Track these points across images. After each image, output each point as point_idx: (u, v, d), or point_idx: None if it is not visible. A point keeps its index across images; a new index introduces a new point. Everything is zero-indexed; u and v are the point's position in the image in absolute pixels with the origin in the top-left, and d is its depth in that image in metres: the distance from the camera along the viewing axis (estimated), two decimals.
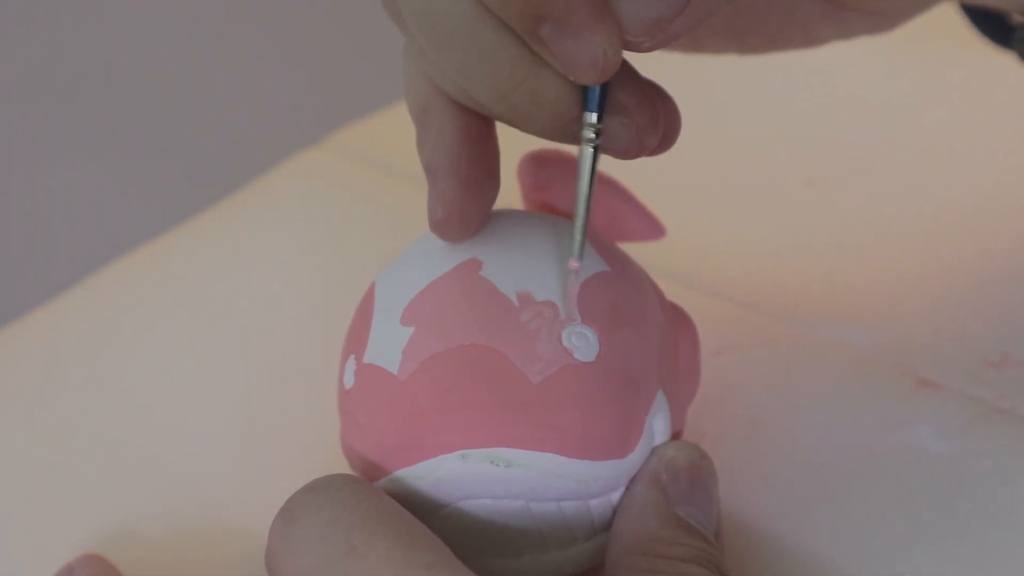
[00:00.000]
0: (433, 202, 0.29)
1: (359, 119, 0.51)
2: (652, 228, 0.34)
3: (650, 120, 0.28)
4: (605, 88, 0.27)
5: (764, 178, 0.46)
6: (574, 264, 0.28)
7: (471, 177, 0.29)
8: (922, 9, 0.35)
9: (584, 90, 0.27)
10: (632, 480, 0.28)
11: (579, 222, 0.28)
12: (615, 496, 0.28)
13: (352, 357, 0.29)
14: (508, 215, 0.31)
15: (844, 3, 0.34)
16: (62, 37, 0.65)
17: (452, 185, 0.29)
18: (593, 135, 0.27)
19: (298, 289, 0.42)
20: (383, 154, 0.48)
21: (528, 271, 0.29)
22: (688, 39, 0.36)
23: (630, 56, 0.28)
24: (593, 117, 0.27)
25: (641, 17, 0.26)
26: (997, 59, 0.42)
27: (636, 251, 0.33)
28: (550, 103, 0.27)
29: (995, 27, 0.38)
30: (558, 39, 0.26)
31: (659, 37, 0.26)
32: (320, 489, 0.26)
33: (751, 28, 0.36)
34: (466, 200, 0.29)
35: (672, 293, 0.32)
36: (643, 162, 0.35)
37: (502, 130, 0.33)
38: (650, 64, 0.38)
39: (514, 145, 0.34)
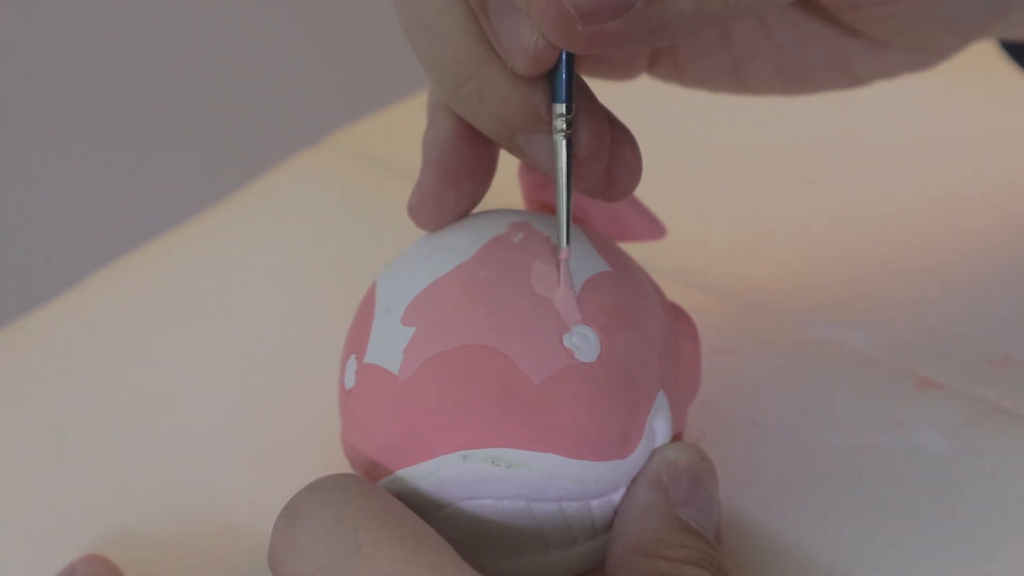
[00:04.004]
0: (414, 189, 0.31)
1: (359, 119, 0.51)
2: (653, 228, 0.34)
3: (593, 142, 0.29)
4: (571, 80, 0.28)
5: (763, 177, 0.46)
6: (564, 255, 0.29)
7: (452, 170, 0.31)
8: (961, 47, 0.35)
9: (551, 84, 0.28)
10: (633, 481, 0.28)
11: (562, 213, 0.29)
12: (616, 497, 0.28)
13: (353, 357, 0.29)
14: (508, 215, 0.31)
15: (882, 41, 0.34)
16: (62, 39, 0.65)
17: (432, 174, 0.31)
18: (564, 126, 0.28)
19: (298, 289, 0.42)
20: (383, 154, 0.48)
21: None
22: (733, 78, 0.37)
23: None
24: (562, 108, 0.28)
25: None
26: (1000, 61, 0.42)
27: (637, 251, 0.33)
28: (495, 103, 0.29)
29: None
30: (499, 17, 0.28)
31: (592, 25, 0.26)
32: (324, 488, 0.26)
33: (795, 65, 0.36)
34: (442, 190, 0.30)
35: (672, 293, 0.32)
36: (643, 161, 0.35)
37: None
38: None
39: None
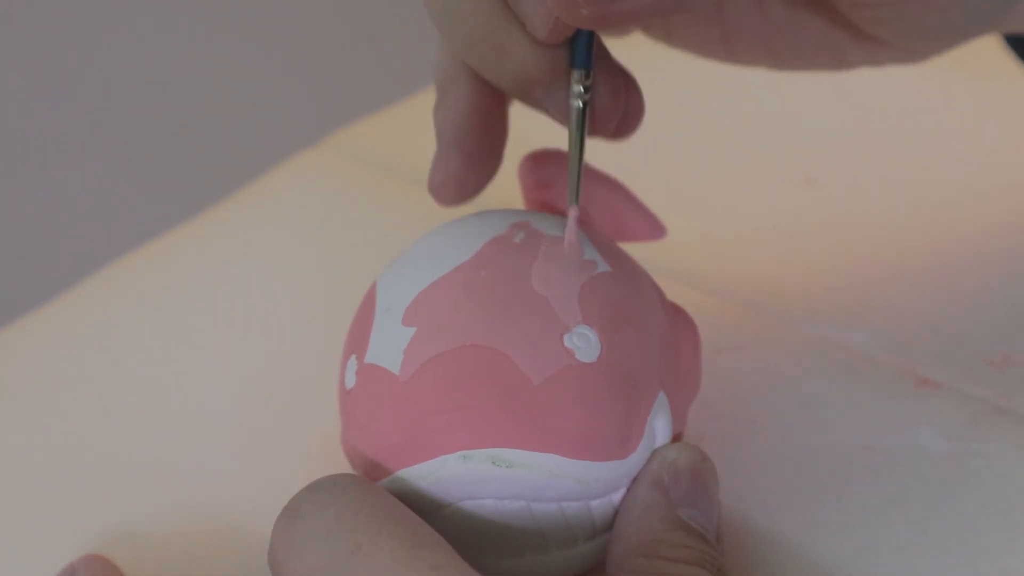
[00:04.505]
0: (435, 167, 0.32)
1: (359, 119, 0.51)
2: (653, 228, 0.34)
3: (611, 101, 0.30)
4: (590, 50, 0.29)
5: (764, 177, 0.46)
6: (573, 212, 0.29)
7: (474, 150, 0.32)
8: (951, 47, 0.36)
9: (571, 47, 0.29)
10: (633, 482, 0.28)
11: (573, 173, 0.30)
12: (616, 497, 0.28)
13: (353, 357, 0.29)
14: (508, 215, 0.31)
15: (876, 39, 0.35)
16: (62, 38, 0.65)
17: (455, 155, 0.32)
18: (582, 90, 0.29)
19: (298, 289, 0.42)
20: (383, 154, 0.48)
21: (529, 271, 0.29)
22: (721, 49, 0.37)
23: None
24: (581, 74, 0.29)
25: None
26: (1000, 61, 0.42)
27: (637, 251, 0.33)
28: (513, 62, 0.29)
29: None
30: None
31: (600, 10, 0.27)
32: (325, 488, 0.26)
33: (784, 45, 0.37)
34: (465, 170, 0.32)
35: (672, 293, 0.32)
36: (643, 162, 0.35)
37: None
38: (661, 62, 0.38)
39: (516, 145, 0.34)
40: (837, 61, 0.37)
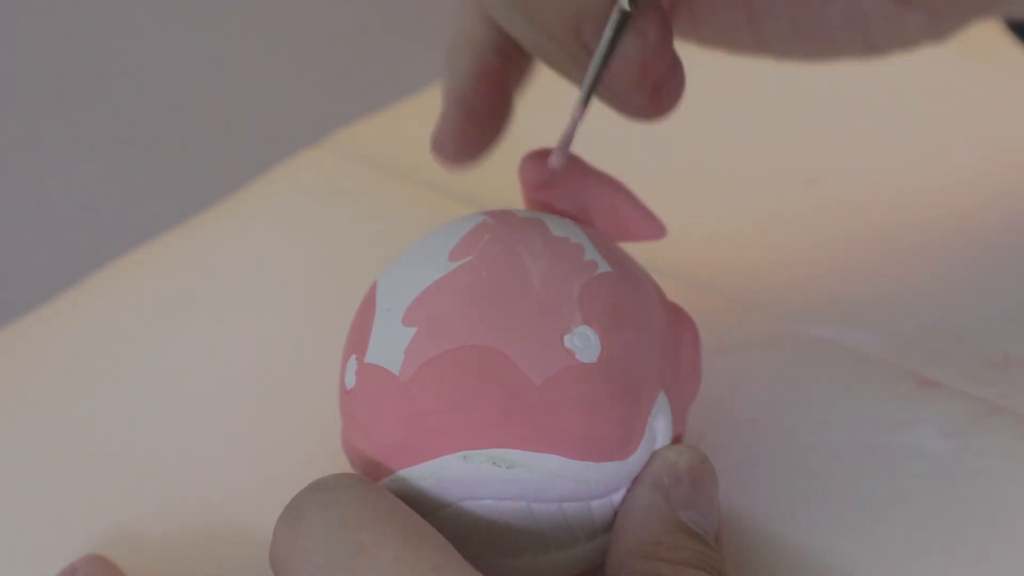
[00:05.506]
0: (439, 124, 0.32)
1: (359, 119, 0.51)
2: (653, 227, 0.34)
3: (660, 38, 0.29)
4: None
5: (765, 177, 0.46)
6: (576, 112, 0.29)
7: (477, 109, 0.32)
8: (980, 13, 0.35)
9: None
10: (633, 483, 0.28)
11: (592, 75, 0.29)
12: (616, 497, 0.28)
13: (353, 357, 0.29)
14: (509, 216, 0.31)
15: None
16: (61, 36, 0.65)
17: (457, 111, 0.32)
18: (627, 5, 0.28)
19: (298, 289, 0.42)
20: (383, 154, 0.48)
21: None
22: (750, 34, 0.37)
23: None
24: (625, 2, 0.28)
25: None
26: (1000, 59, 0.42)
27: (637, 251, 0.33)
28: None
29: None
30: None
31: None
32: (326, 488, 0.26)
33: (810, 24, 0.36)
34: (466, 128, 0.32)
35: (673, 293, 0.32)
36: (644, 161, 0.35)
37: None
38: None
39: (516, 145, 0.34)
40: (865, 41, 0.36)
